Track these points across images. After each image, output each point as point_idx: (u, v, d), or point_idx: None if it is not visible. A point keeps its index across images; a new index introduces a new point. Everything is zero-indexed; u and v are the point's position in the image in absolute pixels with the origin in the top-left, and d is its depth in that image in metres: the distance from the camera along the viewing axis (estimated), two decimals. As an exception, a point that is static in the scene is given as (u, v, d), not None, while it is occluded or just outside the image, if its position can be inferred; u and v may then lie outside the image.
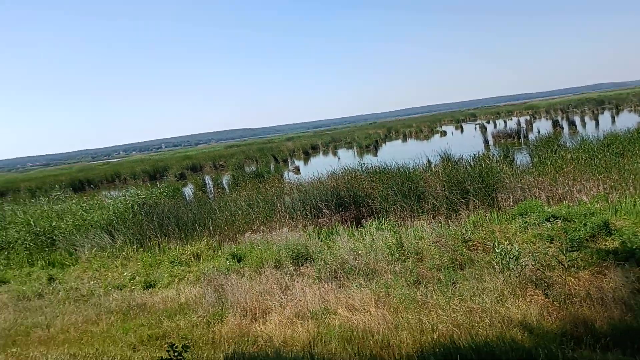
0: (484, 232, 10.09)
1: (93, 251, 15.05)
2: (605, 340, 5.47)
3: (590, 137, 19.89)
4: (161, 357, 5.32)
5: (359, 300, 7.64)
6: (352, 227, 12.85)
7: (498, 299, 6.93)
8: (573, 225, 9.44)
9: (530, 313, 6.38)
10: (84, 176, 59.03)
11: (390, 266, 8.97)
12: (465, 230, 10.24)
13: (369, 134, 73.91)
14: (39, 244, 17.11)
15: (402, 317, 6.82)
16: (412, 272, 8.47)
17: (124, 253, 14.32)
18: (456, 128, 76.38)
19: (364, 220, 13.36)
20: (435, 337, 5.99)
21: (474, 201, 13.02)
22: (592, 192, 12.56)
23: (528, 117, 70.20)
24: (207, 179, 37.27)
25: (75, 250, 15.74)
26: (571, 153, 16.49)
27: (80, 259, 14.89)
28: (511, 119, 75.90)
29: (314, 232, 12.74)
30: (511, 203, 12.85)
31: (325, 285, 8.59)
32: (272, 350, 6.33)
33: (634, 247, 7.95)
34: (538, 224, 10.04)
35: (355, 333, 6.57)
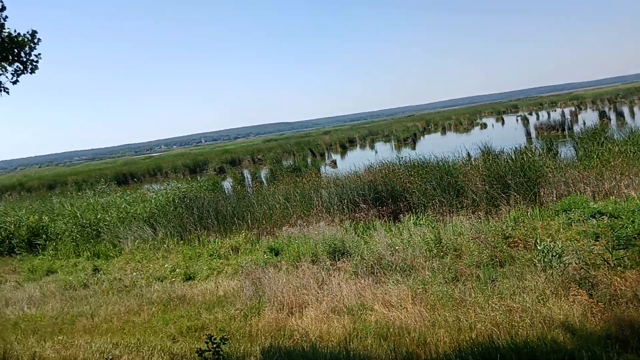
0: (526, 229, 9.82)
1: (136, 243, 15.51)
2: (654, 344, 5.25)
3: (640, 128, 19.02)
4: (200, 348, 5.43)
5: (396, 297, 7.58)
6: (389, 222, 12.75)
7: (539, 298, 6.74)
8: (620, 222, 9.04)
9: (573, 314, 6.18)
10: (127, 170, 60.85)
11: (427, 262, 8.85)
12: (506, 226, 9.99)
13: (407, 126, 73.11)
14: (85, 235, 17.75)
15: (440, 315, 6.73)
16: (450, 269, 8.34)
17: (165, 245, 14.70)
18: (497, 120, 74.62)
19: (401, 215, 13.23)
20: (473, 336, 5.88)
21: (515, 196, 12.68)
22: (641, 187, 12.03)
23: (573, 108, 67.85)
24: (246, 172, 37.77)
25: (119, 242, 16.26)
26: (619, 146, 15.81)
27: (123, 251, 15.38)
28: (555, 110, 73.44)
29: (350, 226, 12.71)
30: (554, 198, 12.45)
31: (362, 281, 8.57)
32: (308, 345, 6.36)
33: (687, 246, 7.58)
34: (583, 221, 9.69)
35: (391, 330, 6.53)
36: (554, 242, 8.23)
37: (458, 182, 13.90)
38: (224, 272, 11.27)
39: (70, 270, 13.98)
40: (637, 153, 14.34)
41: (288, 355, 5.78)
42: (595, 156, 15.08)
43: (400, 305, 7.29)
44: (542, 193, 12.79)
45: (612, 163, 13.51)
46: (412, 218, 12.23)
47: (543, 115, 65.51)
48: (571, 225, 9.63)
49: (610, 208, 9.95)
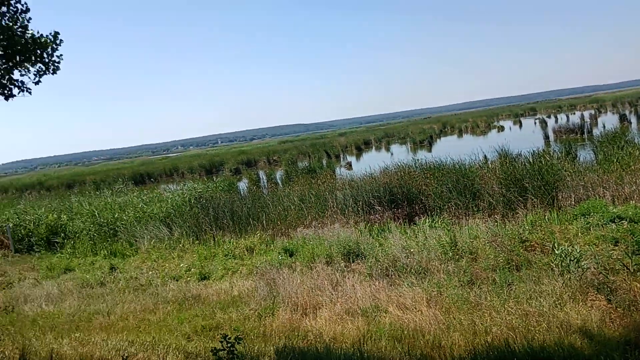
0: (543, 233, 9.70)
1: (152, 242, 15.66)
2: (675, 351, 5.14)
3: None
4: (214, 347, 5.45)
5: (410, 299, 7.54)
6: (404, 225, 12.69)
7: (556, 302, 6.65)
8: (640, 227, 8.90)
9: (591, 319, 6.08)
10: (144, 170, 61.49)
11: (443, 265, 8.80)
12: (523, 230, 9.88)
13: (423, 129, 72.78)
14: (102, 234, 17.98)
15: (455, 318, 6.68)
16: (466, 272, 8.27)
17: (180, 245, 14.82)
18: (514, 123, 73.83)
19: (417, 218, 13.16)
20: (489, 340, 5.82)
21: (532, 200, 12.53)
22: (662, 191, 11.80)
23: (593, 111, 66.77)
24: (261, 173, 37.92)
25: (135, 241, 16.43)
26: (640, 149, 15.55)
27: (139, 250, 15.54)
28: (574, 113, 72.42)
29: (365, 228, 12.68)
30: (572, 202, 12.27)
31: (376, 283, 8.55)
32: (322, 346, 6.36)
33: None
34: (602, 225, 9.53)
35: (405, 332, 6.50)
36: (572, 247, 8.12)
37: (474, 185, 13.79)
38: (238, 272, 11.33)
39: (87, 268, 14.17)
40: (659, 157, 14.09)
41: (302, 356, 5.78)
42: (615, 160, 14.85)
43: (415, 308, 7.25)
44: (560, 197, 12.62)
45: (633, 167, 13.29)
46: (427, 221, 12.16)
47: (562, 118, 64.65)
48: (590, 230, 9.49)
49: (631, 213, 9.78)
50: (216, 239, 14.83)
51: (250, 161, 58.82)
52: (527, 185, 12.89)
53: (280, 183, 28.55)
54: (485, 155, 20.16)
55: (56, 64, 6.62)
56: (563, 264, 7.52)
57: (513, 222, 11.08)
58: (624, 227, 9.11)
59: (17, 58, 6.16)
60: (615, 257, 7.81)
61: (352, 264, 10.04)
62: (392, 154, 47.24)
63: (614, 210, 10.20)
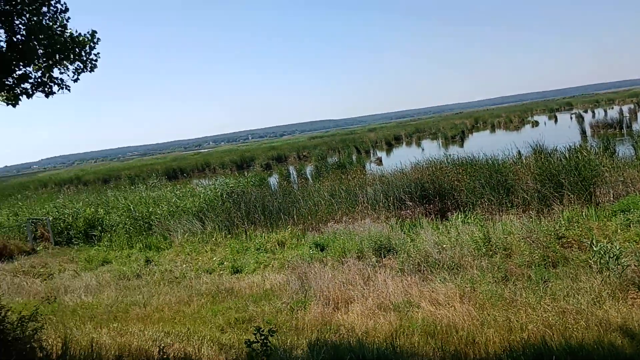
0: (580, 229, 9.46)
1: (185, 236, 15.96)
2: None
3: None
4: (248, 339, 5.51)
5: (443, 295, 7.48)
6: (436, 220, 12.58)
7: (595, 300, 6.49)
8: (684, 224, 8.60)
9: (632, 317, 5.92)
10: (177, 165, 62.58)
11: (476, 261, 8.69)
12: (559, 226, 9.66)
13: (455, 124, 71.71)
14: (137, 227, 18.42)
15: (489, 314, 6.59)
16: (500, 268, 8.15)
17: (213, 239, 15.06)
18: (549, 118, 71.98)
19: (449, 214, 13.04)
20: (525, 337, 5.73)
21: (568, 196, 12.23)
22: None
23: (632, 106, 64.54)
24: (291, 169, 38.09)
25: (169, 234, 16.77)
26: (683, 144, 14.99)
27: (173, 243, 15.86)
28: (612, 108, 70.13)
29: (396, 224, 12.63)
30: (611, 198, 11.93)
31: (408, 278, 8.51)
32: (354, 340, 6.37)
33: None
34: (643, 222, 9.25)
35: (438, 327, 6.45)
36: (611, 244, 7.91)
37: (508, 180, 13.55)
38: (270, 266, 11.44)
39: (124, 260, 14.54)
40: None
41: (335, 349, 5.80)
42: (656, 155, 14.36)
43: (448, 304, 7.19)
44: (597, 193, 12.29)
45: (675, 162, 12.82)
46: (460, 216, 12.03)
47: (599, 113, 62.73)
48: (630, 227, 9.21)
49: (673, 209, 9.46)
50: (248, 233, 15.01)
51: (280, 157, 59.17)
52: (563, 181, 12.59)
53: (310, 178, 28.63)
54: (519, 151, 19.77)
55: (93, 62, 6.79)
56: (602, 261, 7.34)
57: (549, 218, 10.86)
58: (667, 224, 8.82)
59: (57, 56, 6.34)
60: (657, 254, 7.56)
61: (384, 259, 10.02)
62: (423, 149, 46.77)
63: (656, 206, 9.88)
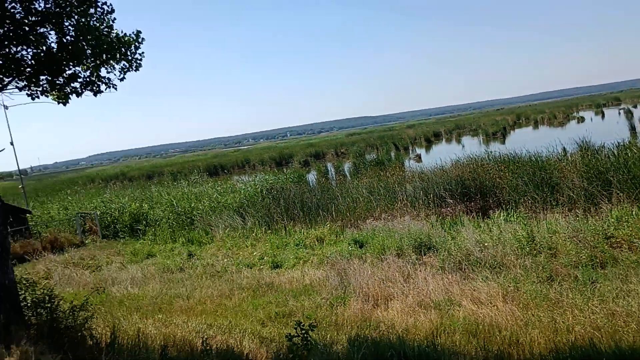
0: (631, 229, 9.09)
1: (226, 231, 16.26)
2: None
3: None
4: (289, 333, 5.58)
5: (485, 294, 7.37)
6: (477, 218, 12.37)
7: (647, 302, 6.25)
8: None
9: (686, 321, 5.67)
10: (217, 162, 63.70)
11: (519, 260, 8.50)
12: (608, 225, 9.34)
13: (496, 120, 70.15)
14: (180, 222, 18.89)
15: (533, 315, 6.45)
16: (545, 268, 7.95)
17: (253, 234, 15.29)
18: (596, 114, 69.40)
19: (490, 212, 12.80)
20: (571, 339, 5.58)
21: (617, 194, 11.77)
22: None
23: (687, 100, 61.47)
24: (329, 166, 38.15)
25: (211, 229, 17.12)
26: None
27: (215, 238, 16.18)
28: (664, 103, 66.97)
29: (437, 221, 12.49)
30: (664, 197, 11.42)
31: (449, 276, 8.42)
32: (394, 337, 6.36)
33: None
34: (699, 222, 8.83)
35: (480, 327, 6.36)
36: (664, 244, 7.59)
37: (552, 178, 13.18)
38: (309, 261, 11.52)
39: (167, 254, 14.95)
40: None
41: (375, 345, 5.81)
42: None
43: (490, 303, 7.07)
44: (650, 191, 11.78)
45: None
46: (502, 214, 11.80)
47: (650, 107, 60.02)
48: (684, 227, 8.81)
49: None
50: (287, 228, 15.16)
51: (318, 153, 59.36)
52: (611, 178, 12.14)
53: (348, 175, 28.62)
54: (564, 148, 19.15)
55: (138, 61, 7.02)
56: (654, 263, 7.06)
57: (596, 217, 10.50)
58: None
59: (104, 56, 6.59)
60: None
61: (424, 257, 9.94)
62: (463, 146, 45.94)
63: None
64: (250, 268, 11.81)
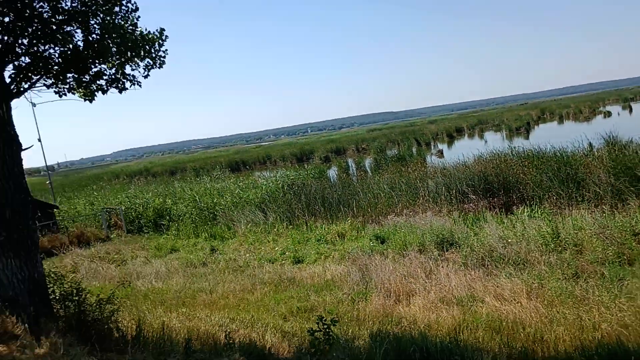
0: (660, 225, 8.91)
1: (248, 226, 16.39)
2: None
3: None
4: (311, 328, 5.61)
5: (509, 290, 7.29)
6: (500, 214, 12.23)
7: (676, 301, 6.12)
8: None
9: None
10: (239, 158, 64.17)
11: (544, 257, 8.39)
12: (635, 222, 9.13)
13: (520, 115, 69.00)
14: (202, 217, 19.10)
15: (558, 312, 6.37)
16: (570, 265, 7.83)
17: (275, 229, 15.38)
18: (623, 108, 67.73)
19: (514, 208, 12.64)
20: (598, 337, 5.49)
21: (646, 190, 11.52)
22: None
23: None
24: (350, 161, 38.10)
25: (233, 224, 17.27)
26: None
27: (237, 233, 16.32)
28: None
29: (459, 217, 12.39)
30: (695, 193, 11.13)
31: (472, 272, 8.36)
32: (416, 333, 6.35)
33: None
34: None
35: (504, 323, 6.31)
36: (695, 241, 7.40)
37: (578, 173, 12.95)
38: (331, 257, 11.54)
39: (190, 249, 15.14)
40: None
41: (397, 341, 5.80)
42: None
43: (514, 300, 7.00)
44: (679, 187, 11.49)
45: None
46: (526, 210, 11.64)
47: (681, 101, 58.34)
48: None
49: None
50: (308, 224, 15.20)
51: (339, 149, 59.31)
52: (639, 174, 11.87)
53: (369, 171, 28.54)
54: (590, 143, 18.76)
55: (162, 59, 7.11)
56: (684, 260, 6.89)
57: (624, 213, 10.29)
58: None
59: (129, 54, 6.68)
60: None
61: (446, 253, 9.87)
62: (486, 141, 45.36)
63: None
64: (272, 263, 11.89)
